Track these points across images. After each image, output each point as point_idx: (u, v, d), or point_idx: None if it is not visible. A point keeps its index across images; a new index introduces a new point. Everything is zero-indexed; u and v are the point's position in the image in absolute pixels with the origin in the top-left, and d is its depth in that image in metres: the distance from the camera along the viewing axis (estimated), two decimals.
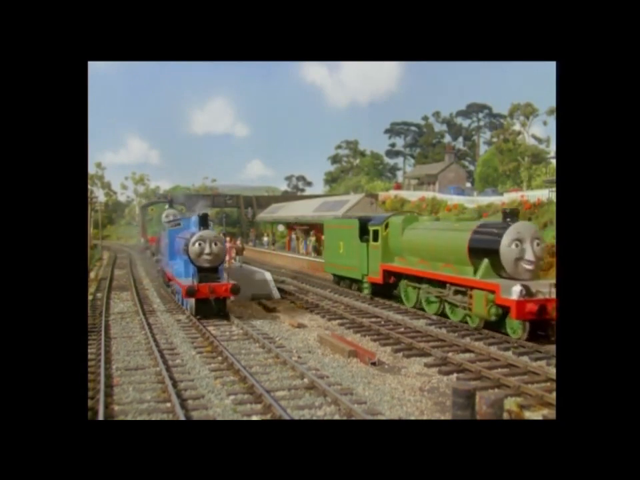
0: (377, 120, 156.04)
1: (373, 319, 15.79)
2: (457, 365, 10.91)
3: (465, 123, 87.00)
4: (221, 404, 8.69)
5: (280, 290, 21.16)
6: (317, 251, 34.68)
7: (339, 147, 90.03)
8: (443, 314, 15.59)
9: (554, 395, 8.34)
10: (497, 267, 13.58)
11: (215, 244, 15.81)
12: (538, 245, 13.48)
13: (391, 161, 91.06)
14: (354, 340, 13.18)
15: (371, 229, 19.37)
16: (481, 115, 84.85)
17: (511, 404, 8.11)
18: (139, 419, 8.09)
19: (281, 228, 44.09)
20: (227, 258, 17.12)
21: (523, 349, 12.05)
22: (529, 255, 13.30)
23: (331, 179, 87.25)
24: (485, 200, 37.63)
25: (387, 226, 18.68)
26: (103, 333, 13.51)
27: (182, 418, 7.79)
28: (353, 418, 7.90)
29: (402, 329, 14.39)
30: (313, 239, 35.76)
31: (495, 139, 57.88)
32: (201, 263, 15.72)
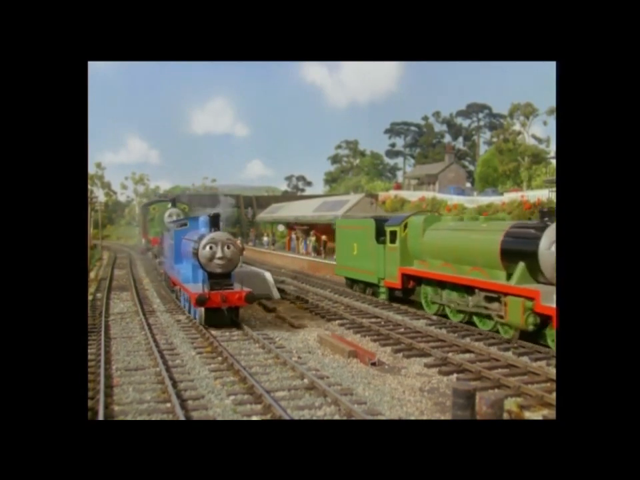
0: (376, 120, 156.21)
1: (373, 319, 15.79)
2: (457, 365, 10.90)
3: (465, 123, 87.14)
4: (220, 404, 8.69)
5: (280, 290, 21.15)
6: (317, 251, 34.69)
7: (339, 147, 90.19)
8: (469, 322, 14.46)
9: (554, 395, 8.34)
10: (535, 271, 12.24)
11: (228, 247, 14.38)
12: None
13: (391, 161, 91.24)
14: (354, 340, 13.17)
15: (388, 229, 18.22)
16: (481, 115, 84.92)
17: (511, 404, 8.10)
18: (138, 419, 8.09)
19: (280, 228, 44.09)
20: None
21: (523, 349, 12.05)
22: None
23: (331, 179, 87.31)
24: (485, 200, 37.64)
25: (405, 226, 17.53)
26: (102, 333, 13.51)
27: (182, 418, 7.79)
28: (353, 418, 7.90)
29: (402, 329, 14.39)
30: (312, 238, 35.76)
31: (494, 139, 57.91)
32: (212, 268, 14.32)
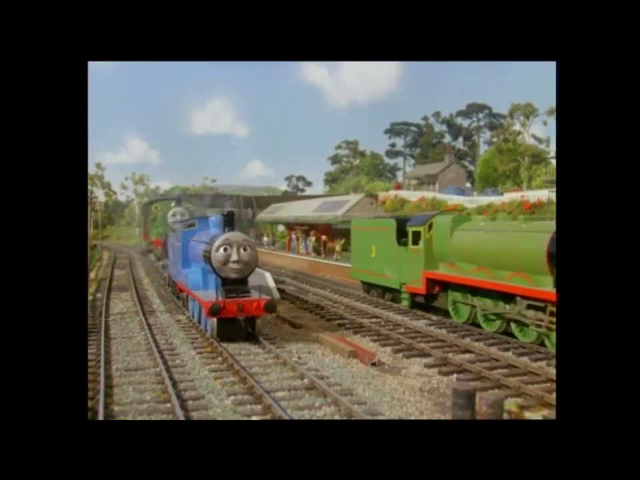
0: (376, 120, 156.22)
1: (373, 320, 15.78)
2: (457, 365, 10.90)
3: (465, 123, 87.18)
4: (220, 404, 8.69)
5: (280, 290, 21.15)
6: (317, 251, 34.70)
7: (339, 147, 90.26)
8: (506, 332, 13.10)
9: (554, 395, 8.34)
10: None
11: (244, 249, 12.78)
12: None
13: (391, 161, 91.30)
14: (354, 340, 13.17)
15: (411, 230, 16.75)
16: (481, 115, 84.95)
17: (511, 404, 8.10)
18: (138, 419, 8.09)
19: (280, 228, 44.10)
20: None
21: (523, 350, 12.05)
22: None
23: (331, 179, 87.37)
24: (485, 200, 37.67)
25: (430, 227, 16.14)
26: (102, 333, 13.51)
27: (182, 418, 7.78)
28: (353, 418, 7.90)
29: (402, 329, 14.38)
30: (312, 239, 35.77)
31: (495, 139, 57.93)
32: (226, 273, 12.73)
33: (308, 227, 37.97)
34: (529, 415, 8.13)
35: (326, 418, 8.10)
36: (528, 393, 9.09)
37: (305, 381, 9.83)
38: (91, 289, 22.22)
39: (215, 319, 12.47)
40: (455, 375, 10.44)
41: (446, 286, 15.52)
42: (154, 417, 8.17)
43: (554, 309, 11.28)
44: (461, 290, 14.78)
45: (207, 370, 10.61)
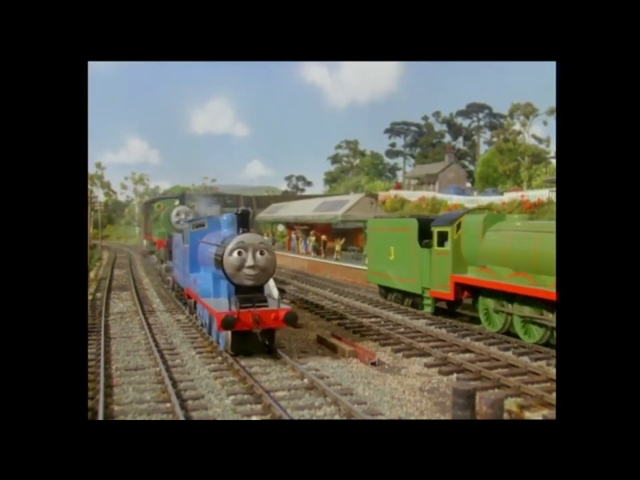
0: (376, 120, 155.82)
1: (373, 319, 15.78)
2: (457, 365, 10.90)
3: (465, 123, 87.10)
4: (220, 404, 8.69)
5: (280, 290, 21.15)
6: (317, 250, 34.72)
7: (339, 146, 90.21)
8: (548, 344, 11.96)
9: (554, 395, 8.34)
10: None
11: (261, 252, 11.38)
12: None
13: (391, 161, 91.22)
14: (354, 340, 13.17)
15: (436, 230, 15.59)
16: (481, 115, 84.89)
17: (511, 404, 8.11)
18: (138, 419, 8.09)
19: (280, 228, 44.10)
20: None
21: (523, 349, 12.05)
22: None
23: (331, 179, 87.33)
24: (485, 200, 37.68)
25: (458, 227, 14.93)
26: (102, 333, 13.51)
27: (182, 418, 7.78)
28: (353, 418, 7.90)
29: (402, 329, 14.39)
30: (312, 238, 35.79)
31: (495, 139, 57.90)
32: (240, 280, 11.35)
33: (308, 227, 37.98)
34: (529, 415, 8.13)
35: (326, 418, 8.10)
36: (528, 392, 9.09)
37: (305, 380, 9.83)
38: (91, 289, 22.23)
39: (228, 332, 11.20)
40: (455, 375, 10.44)
41: (476, 291, 14.23)
42: (154, 417, 8.17)
43: None
44: (495, 296, 13.38)
45: (207, 370, 10.61)
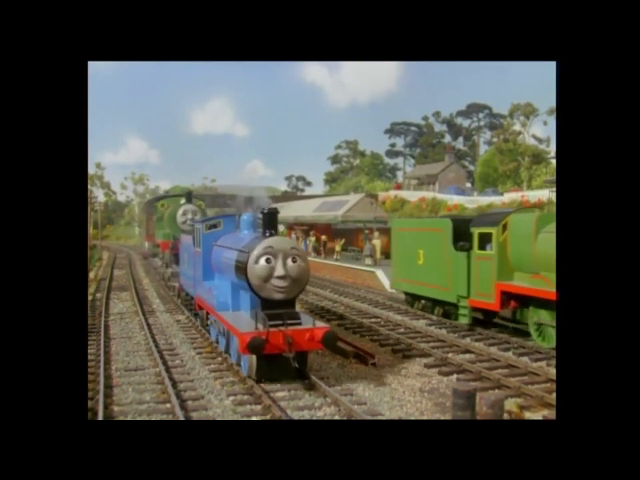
0: (376, 120, 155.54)
1: (373, 319, 15.78)
2: (457, 365, 10.90)
3: (465, 123, 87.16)
4: (220, 404, 8.68)
5: None
6: (317, 251, 34.73)
7: (339, 147, 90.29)
8: None
9: (554, 395, 8.34)
10: None
11: (293, 260, 9.49)
12: None
13: (391, 161, 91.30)
14: (354, 340, 13.17)
15: (477, 232, 13.66)
16: (481, 115, 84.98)
17: (511, 405, 8.11)
18: (138, 419, 8.08)
19: (280, 228, 44.07)
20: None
21: (523, 350, 12.04)
22: None
23: (331, 179, 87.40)
24: (485, 200, 37.70)
25: (504, 227, 13.02)
26: (102, 333, 13.51)
27: (182, 418, 7.78)
28: (353, 418, 7.89)
29: (402, 329, 14.38)
30: (312, 239, 35.81)
31: (495, 139, 57.98)
32: (268, 293, 9.45)
33: (308, 227, 37.99)
34: (529, 415, 8.13)
35: (326, 418, 8.10)
36: (528, 393, 9.09)
37: (305, 380, 9.82)
38: (91, 289, 22.23)
39: (253, 356, 9.34)
40: (455, 375, 10.43)
41: (526, 301, 12.57)
42: (154, 417, 8.17)
43: None
44: (551, 308, 11.46)
45: (207, 370, 10.60)
